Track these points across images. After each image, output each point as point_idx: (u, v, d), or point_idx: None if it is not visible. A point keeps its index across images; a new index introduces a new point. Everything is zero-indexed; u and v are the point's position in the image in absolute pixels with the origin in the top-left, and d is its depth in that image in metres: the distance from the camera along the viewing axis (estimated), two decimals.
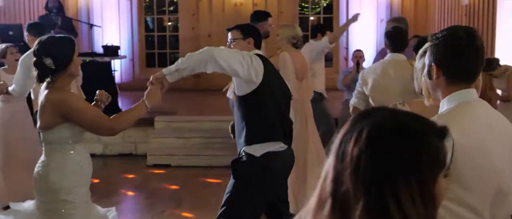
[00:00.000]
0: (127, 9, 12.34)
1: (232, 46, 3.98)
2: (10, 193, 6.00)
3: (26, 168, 6.06)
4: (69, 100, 3.48)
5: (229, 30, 4.13)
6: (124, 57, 11.24)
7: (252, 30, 4.14)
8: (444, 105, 2.22)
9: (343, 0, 12.19)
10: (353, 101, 4.81)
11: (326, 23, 12.65)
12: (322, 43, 6.94)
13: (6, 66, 6.18)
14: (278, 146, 3.85)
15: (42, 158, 3.62)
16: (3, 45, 6.16)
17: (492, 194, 2.12)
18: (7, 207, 5.93)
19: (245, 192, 3.85)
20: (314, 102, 7.19)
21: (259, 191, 3.86)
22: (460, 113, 2.16)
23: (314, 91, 7.05)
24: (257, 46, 4.04)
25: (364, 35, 11.83)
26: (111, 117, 3.57)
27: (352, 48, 10.66)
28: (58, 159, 3.55)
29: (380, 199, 1.18)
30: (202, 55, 3.64)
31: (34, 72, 3.53)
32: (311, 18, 13.27)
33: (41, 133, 3.61)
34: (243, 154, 3.85)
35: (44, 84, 3.56)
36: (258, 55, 3.89)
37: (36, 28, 5.90)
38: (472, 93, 2.22)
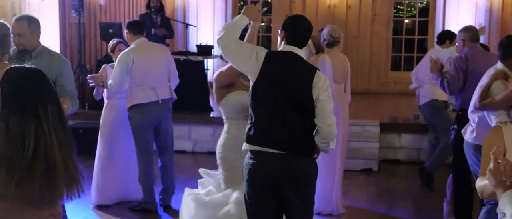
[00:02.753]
0: (222, 9, 12.55)
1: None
2: (112, 192, 6.22)
3: (126, 167, 6.26)
4: None
5: None
6: (217, 56, 11.42)
7: (288, 24, 3.80)
8: None
9: (440, 4, 11.87)
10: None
11: (421, 26, 12.38)
12: (449, 53, 6.68)
13: (113, 63, 6.31)
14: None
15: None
16: (115, 40, 6.31)
17: None
18: (106, 205, 6.18)
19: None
20: (438, 111, 7.05)
21: (246, 188, 3.81)
22: None
23: (436, 100, 6.94)
24: (290, 41, 3.75)
25: None
26: None
27: None
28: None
29: None
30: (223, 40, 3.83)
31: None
32: (406, 21, 13.02)
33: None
34: None
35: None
36: (274, 52, 3.84)
37: (136, 27, 6.02)
38: None
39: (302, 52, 3.78)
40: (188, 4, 12.57)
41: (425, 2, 12.69)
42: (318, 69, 3.76)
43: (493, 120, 4.42)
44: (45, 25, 9.47)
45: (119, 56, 5.84)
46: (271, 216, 3.83)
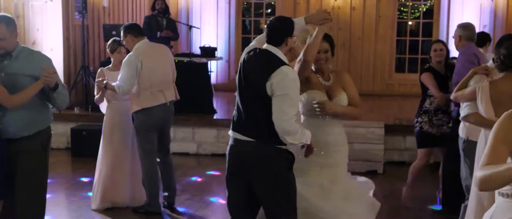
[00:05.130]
0: (226, 11, 12.54)
1: None
2: (115, 196, 6.12)
3: (131, 170, 6.18)
4: None
5: None
6: (221, 58, 11.41)
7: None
8: None
9: (445, 5, 11.84)
10: None
11: (425, 28, 12.34)
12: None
13: (109, 65, 6.23)
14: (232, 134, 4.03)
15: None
16: (117, 39, 6.14)
17: None
18: (109, 208, 6.12)
19: None
20: None
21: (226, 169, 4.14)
22: None
23: None
24: (266, 40, 3.99)
25: None
26: None
27: (452, 55, 10.31)
28: None
29: None
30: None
31: None
32: (410, 23, 12.99)
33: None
34: None
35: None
36: (252, 49, 4.02)
37: (137, 29, 5.94)
38: None
39: (275, 50, 3.92)
40: (191, 6, 12.56)
41: (429, 4, 12.65)
42: (286, 66, 3.86)
43: (463, 109, 4.53)
44: (48, 27, 9.53)
45: (127, 59, 5.74)
46: (240, 197, 4.04)
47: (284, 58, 3.92)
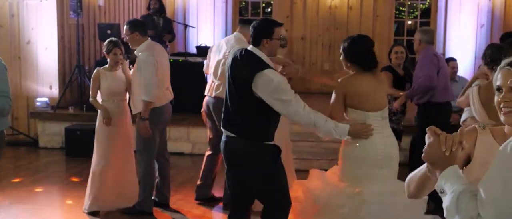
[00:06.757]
0: (222, 10, 12.48)
1: None
2: (106, 196, 6.02)
3: (122, 171, 6.10)
4: None
5: None
6: None
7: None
8: None
9: (442, 5, 11.80)
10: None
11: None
12: None
13: (106, 65, 6.02)
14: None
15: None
16: (113, 39, 5.96)
17: None
18: (96, 212, 6.03)
19: None
20: None
21: None
22: None
23: None
24: (251, 41, 4.13)
25: (463, 42, 11.40)
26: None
27: (449, 55, 10.29)
28: None
29: None
30: None
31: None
32: (409, 22, 12.95)
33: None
34: None
35: None
36: (243, 50, 4.09)
37: (144, 28, 5.84)
38: None
39: (256, 50, 4.03)
40: (188, 5, 12.50)
41: (427, 3, 12.62)
42: (268, 69, 3.93)
43: (463, 114, 4.77)
44: (43, 26, 9.48)
45: (145, 60, 5.62)
46: (236, 189, 4.22)
47: (266, 59, 4.01)
